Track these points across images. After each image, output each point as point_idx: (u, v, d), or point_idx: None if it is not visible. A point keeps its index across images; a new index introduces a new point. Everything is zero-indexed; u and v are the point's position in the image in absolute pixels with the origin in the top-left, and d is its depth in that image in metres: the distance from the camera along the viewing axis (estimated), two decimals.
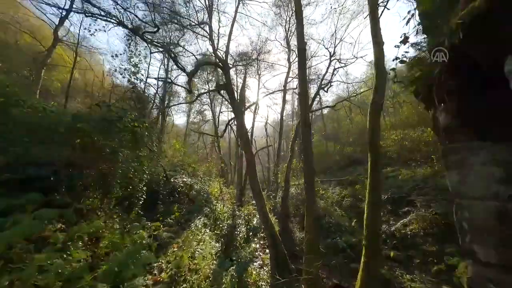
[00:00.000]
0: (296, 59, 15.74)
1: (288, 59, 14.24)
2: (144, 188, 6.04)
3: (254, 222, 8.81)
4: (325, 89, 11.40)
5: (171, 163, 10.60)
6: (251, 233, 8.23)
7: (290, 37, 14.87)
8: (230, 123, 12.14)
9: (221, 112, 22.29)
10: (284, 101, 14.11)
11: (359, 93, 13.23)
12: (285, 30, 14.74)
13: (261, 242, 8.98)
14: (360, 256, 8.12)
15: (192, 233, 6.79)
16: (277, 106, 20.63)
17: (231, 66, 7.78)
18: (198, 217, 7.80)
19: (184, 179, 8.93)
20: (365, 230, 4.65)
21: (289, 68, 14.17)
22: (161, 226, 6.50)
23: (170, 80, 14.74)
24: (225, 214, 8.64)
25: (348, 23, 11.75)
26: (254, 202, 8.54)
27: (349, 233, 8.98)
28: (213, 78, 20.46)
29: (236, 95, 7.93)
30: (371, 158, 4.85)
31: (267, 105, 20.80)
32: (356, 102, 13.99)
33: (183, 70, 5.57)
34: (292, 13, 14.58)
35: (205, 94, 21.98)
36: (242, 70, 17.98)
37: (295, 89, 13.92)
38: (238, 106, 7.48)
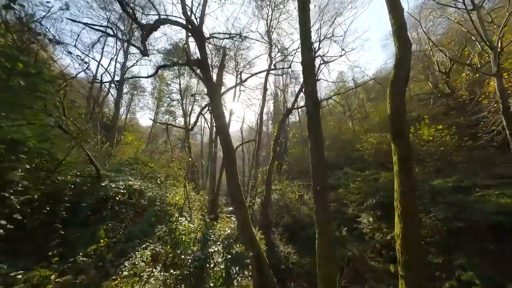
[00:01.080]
0: (278, 55, 14.98)
1: (269, 54, 13.15)
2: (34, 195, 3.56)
3: (237, 248, 5.86)
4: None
5: (120, 162, 8.05)
6: (233, 267, 5.16)
7: (271, 32, 13.92)
8: (203, 111, 10.24)
9: (193, 111, 20.00)
10: (265, 98, 12.88)
11: (346, 91, 12.72)
12: (267, 24, 13.77)
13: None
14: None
15: (124, 283, 3.74)
16: (255, 106, 19.33)
17: (208, 37, 6.05)
18: (144, 245, 4.79)
19: (131, 182, 6.25)
20: (402, 248, 3.36)
21: (270, 64, 13.05)
22: (55, 273, 3.50)
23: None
24: (191, 236, 5.75)
25: (333, 19, 11.26)
26: (232, 211, 6.77)
27: (341, 245, 7.86)
28: (184, 72, 18.30)
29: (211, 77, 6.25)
30: (398, 154, 3.65)
31: (244, 104, 19.12)
32: (340, 101, 13.51)
33: (135, 20, 3.66)
34: (275, 6, 13.73)
35: (175, 91, 19.53)
36: (217, 63, 16.30)
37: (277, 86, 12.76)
38: (215, 87, 5.80)
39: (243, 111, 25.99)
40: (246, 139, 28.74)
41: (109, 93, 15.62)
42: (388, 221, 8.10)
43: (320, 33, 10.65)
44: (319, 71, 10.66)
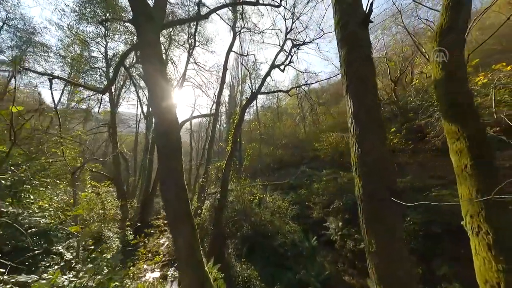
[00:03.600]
0: (244, 29, 12.67)
1: (233, 27, 10.92)
2: None
3: None
4: (281, 68, 8.99)
5: None
6: None
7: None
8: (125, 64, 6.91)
9: (125, 87, 15.31)
10: (224, 79, 10.56)
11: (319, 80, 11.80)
12: None
13: None
14: None
15: None
16: (210, 90, 16.52)
17: None
18: None
19: None
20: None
21: (234, 38, 10.86)
22: None
23: None
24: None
25: None
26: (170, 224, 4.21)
27: (313, 260, 6.47)
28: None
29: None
30: (469, 141, 2.16)
31: (197, 86, 15.77)
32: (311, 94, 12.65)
33: None
34: None
35: (98, 56, 14.39)
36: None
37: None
38: (154, 46, 3.23)
39: (194, 98, 22.02)
40: (196, 134, 25.08)
41: None
42: (359, 226, 7.34)
43: (294, 11, 9.28)
44: (290, 55, 9.26)
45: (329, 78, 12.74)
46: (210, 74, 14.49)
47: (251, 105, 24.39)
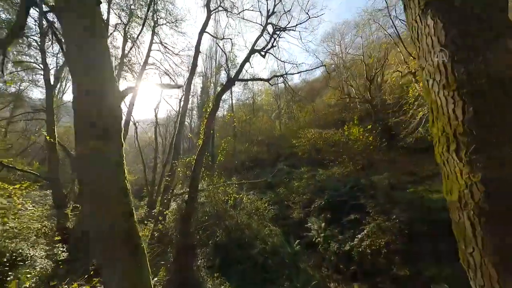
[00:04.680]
0: (220, 8, 11.17)
1: (207, 4, 9.55)
2: None
3: None
4: (262, 53, 8.03)
5: None
6: None
7: None
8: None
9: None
10: (196, 62, 9.11)
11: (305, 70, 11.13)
12: None
13: None
14: None
15: None
16: (179, 78, 14.67)
17: None
18: None
19: None
20: None
21: (208, 17, 9.50)
22: None
23: None
24: None
25: None
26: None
27: (297, 268, 5.71)
28: None
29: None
30: None
31: (164, 72, 13.69)
32: (287, 91, 11.95)
33: None
34: None
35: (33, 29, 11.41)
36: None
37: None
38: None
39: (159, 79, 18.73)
40: (162, 128, 22.38)
41: None
42: (342, 226, 6.89)
43: None
44: (273, 38, 8.37)
45: (312, 69, 12.22)
46: (180, 59, 12.77)
47: (226, 98, 22.96)
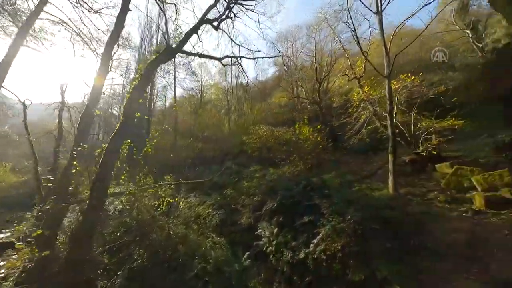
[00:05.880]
0: None
1: None
2: None
3: None
4: (215, 24, 6.49)
5: None
6: None
7: None
8: None
9: None
10: (123, 19, 6.56)
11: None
12: None
13: None
14: None
15: None
16: (101, 47, 11.11)
17: None
18: None
19: None
20: None
21: None
22: None
23: None
24: None
25: None
26: None
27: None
28: None
29: None
30: None
31: (77, 34, 9.60)
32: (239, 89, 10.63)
33: None
34: None
35: None
36: None
37: None
38: None
39: (73, 52, 13.38)
40: (73, 112, 16.72)
41: None
42: (296, 230, 6.15)
43: None
44: (228, 10, 6.98)
45: (269, 57, 11.43)
46: (101, 18, 9.37)
47: (168, 84, 19.68)
